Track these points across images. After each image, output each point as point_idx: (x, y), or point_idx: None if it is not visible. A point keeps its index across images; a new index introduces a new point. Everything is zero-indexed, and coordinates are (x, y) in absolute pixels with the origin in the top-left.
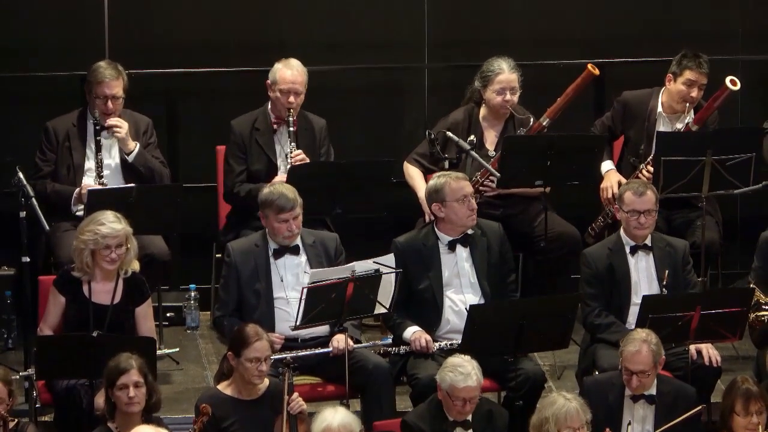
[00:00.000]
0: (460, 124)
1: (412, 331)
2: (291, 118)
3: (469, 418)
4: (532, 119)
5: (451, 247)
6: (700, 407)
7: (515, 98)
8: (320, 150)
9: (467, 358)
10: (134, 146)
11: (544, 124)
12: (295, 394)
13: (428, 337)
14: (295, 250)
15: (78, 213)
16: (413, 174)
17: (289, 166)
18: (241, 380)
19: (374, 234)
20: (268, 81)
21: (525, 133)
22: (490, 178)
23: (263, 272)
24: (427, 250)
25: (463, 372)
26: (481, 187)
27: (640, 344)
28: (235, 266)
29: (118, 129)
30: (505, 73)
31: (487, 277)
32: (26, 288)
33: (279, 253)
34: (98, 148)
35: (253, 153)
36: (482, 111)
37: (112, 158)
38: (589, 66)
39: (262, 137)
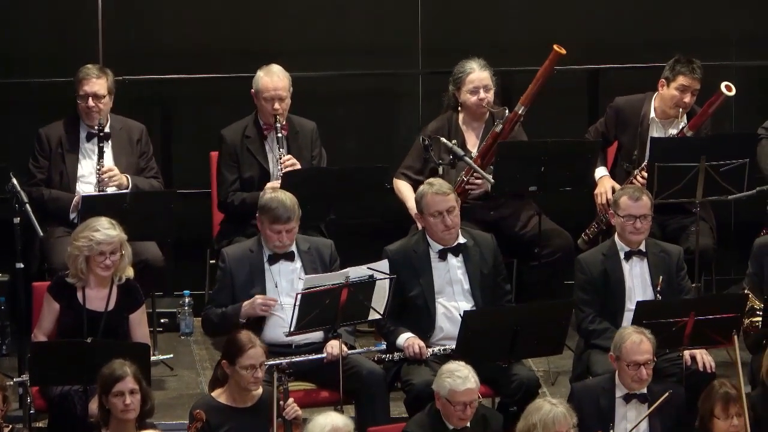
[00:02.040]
0: (440, 130)
1: (406, 338)
2: (279, 124)
3: (468, 425)
4: (507, 110)
5: (442, 256)
6: (667, 393)
7: (490, 96)
8: (312, 153)
9: (462, 363)
10: (127, 182)
11: (520, 112)
12: (291, 400)
13: (421, 344)
14: (289, 256)
15: (74, 220)
16: (402, 188)
17: (280, 172)
18: (236, 387)
19: (368, 240)
20: (252, 90)
21: (502, 124)
22: (475, 174)
23: (258, 278)
24: (417, 257)
25: (461, 376)
26: (467, 186)
27: (638, 335)
28: (230, 271)
29: (112, 175)
30: (475, 71)
31: (481, 286)
32: (20, 294)
33: (274, 259)
34: (101, 155)
35: (244, 161)
36: (461, 116)
37: (106, 165)
38: (555, 47)
39: (252, 144)
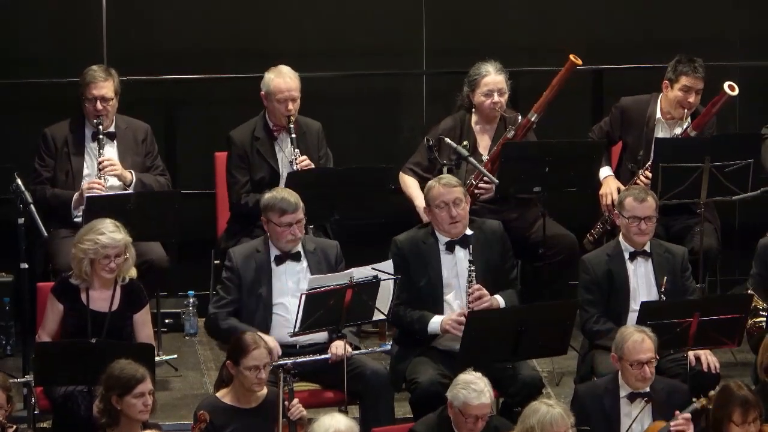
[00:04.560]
0: (452, 130)
1: (439, 324)
2: (291, 125)
3: None
4: (519, 117)
5: (449, 248)
6: (697, 403)
7: (504, 100)
8: (319, 153)
9: (478, 375)
10: (131, 177)
11: (533, 119)
12: (295, 400)
13: (453, 318)
14: (296, 257)
15: (77, 219)
16: (409, 183)
17: (297, 168)
18: (240, 388)
19: (372, 240)
20: (263, 92)
21: (514, 130)
22: (484, 179)
23: (265, 278)
24: (426, 248)
25: (477, 389)
26: (476, 190)
27: (640, 334)
28: (237, 271)
29: (112, 168)
30: (491, 75)
31: (489, 276)
32: (25, 294)
33: (280, 260)
34: (101, 146)
35: (255, 162)
36: (474, 117)
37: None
38: (571, 56)
39: (262, 146)
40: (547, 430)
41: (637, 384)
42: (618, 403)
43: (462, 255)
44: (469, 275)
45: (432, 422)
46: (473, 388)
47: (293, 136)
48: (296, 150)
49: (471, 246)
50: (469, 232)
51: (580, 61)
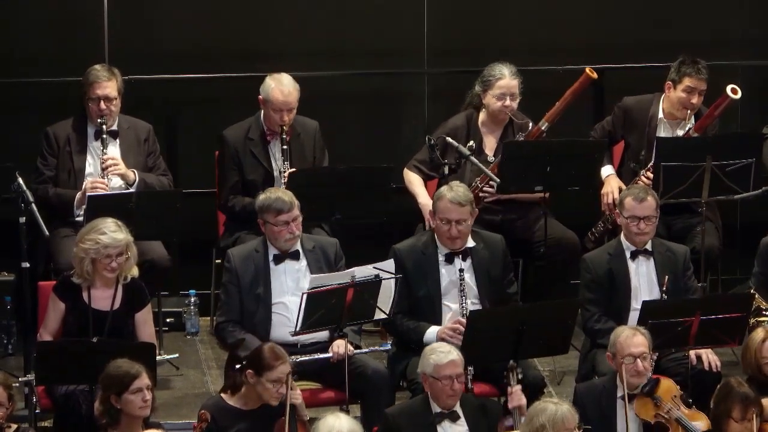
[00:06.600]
0: (460, 129)
1: (435, 333)
2: (284, 136)
3: (457, 409)
4: (531, 124)
5: (449, 259)
6: None
7: (515, 104)
8: (315, 152)
9: (443, 343)
10: (134, 176)
11: (543, 128)
12: (292, 386)
13: (449, 326)
14: (295, 256)
15: (78, 218)
16: (413, 180)
17: (283, 182)
18: (252, 395)
19: (373, 240)
20: (261, 96)
21: (524, 137)
22: (490, 183)
23: (263, 277)
24: (425, 258)
25: (443, 351)
26: (480, 193)
27: (632, 330)
28: (236, 272)
29: (116, 167)
30: (506, 78)
31: (488, 289)
32: (26, 293)
33: (279, 259)
34: (104, 145)
35: (248, 163)
36: (481, 116)
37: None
38: (587, 70)
39: (256, 147)
40: (558, 427)
41: (632, 380)
42: (614, 403)
43: (462, 265)
44: (461, 284)
45: (406, 405)
46: (439, 351)
47: (285, 147)
48: (286, 162)
49: (470, 258)
50: (471, 243)
51: (595, 75)
